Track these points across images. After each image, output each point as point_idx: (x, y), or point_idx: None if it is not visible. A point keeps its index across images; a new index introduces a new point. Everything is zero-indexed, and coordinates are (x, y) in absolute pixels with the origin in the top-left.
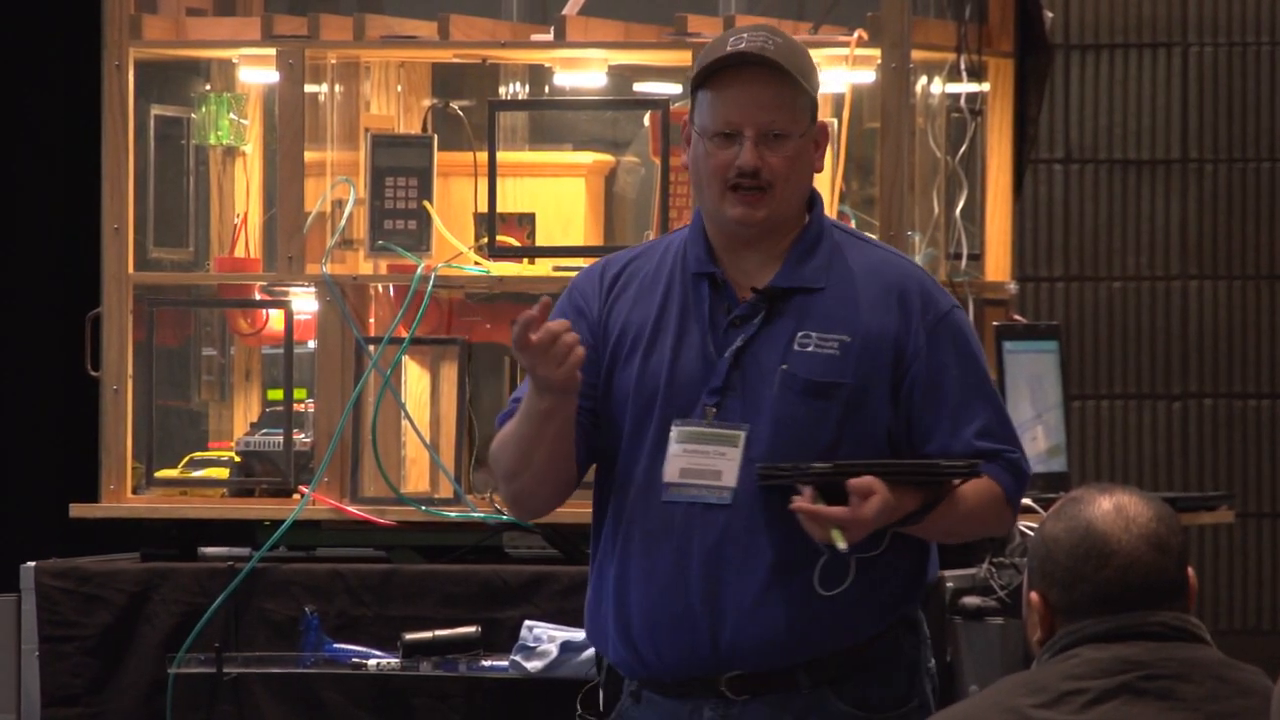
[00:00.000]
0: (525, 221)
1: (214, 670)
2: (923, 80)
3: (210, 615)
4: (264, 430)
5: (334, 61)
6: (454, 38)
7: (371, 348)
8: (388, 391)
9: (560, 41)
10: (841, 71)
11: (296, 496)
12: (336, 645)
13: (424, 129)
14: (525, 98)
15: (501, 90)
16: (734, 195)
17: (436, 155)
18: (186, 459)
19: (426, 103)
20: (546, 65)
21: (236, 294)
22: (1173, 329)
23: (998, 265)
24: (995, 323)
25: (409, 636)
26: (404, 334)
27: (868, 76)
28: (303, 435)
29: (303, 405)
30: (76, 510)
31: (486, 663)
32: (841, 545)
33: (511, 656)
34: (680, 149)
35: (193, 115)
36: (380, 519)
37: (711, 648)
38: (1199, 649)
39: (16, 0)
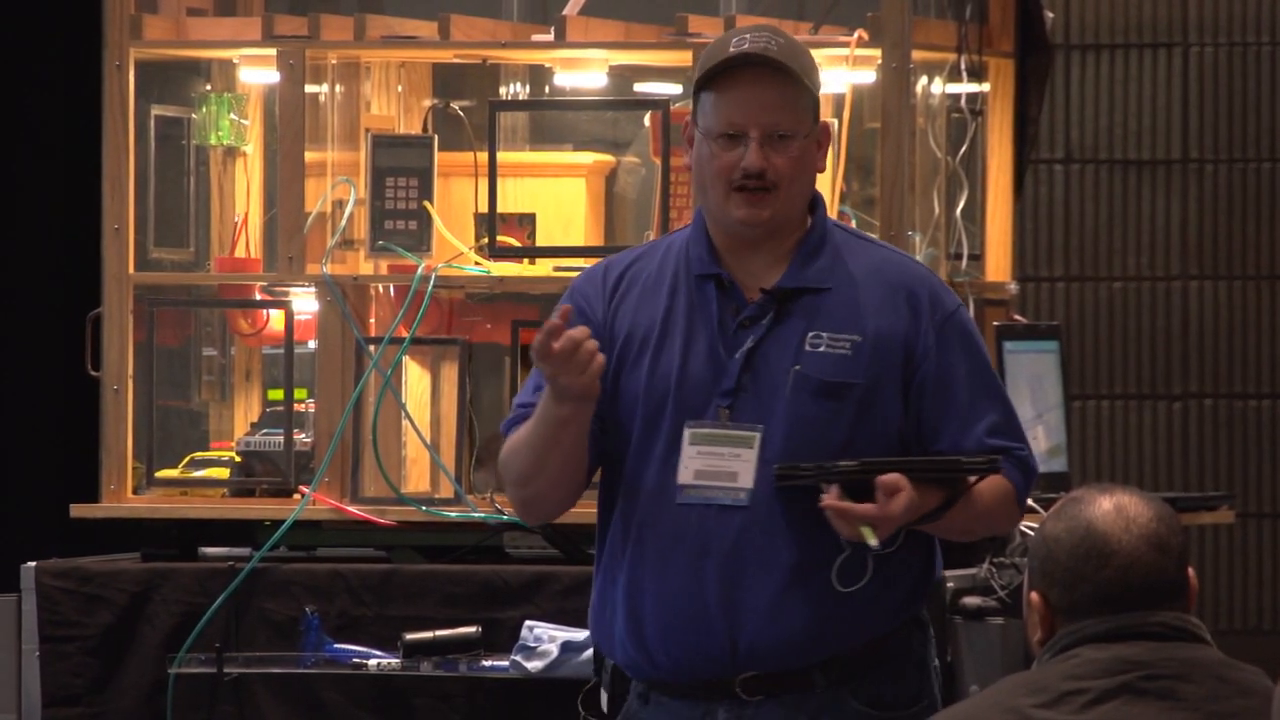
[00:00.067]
0: (526, 222)
1: (214, 670)
2: (923, 80)
3: (211, 615)
4: (264, 430)
5: (334, 62)
6: (454, 38)
7: (372, 348)
8: (388, 391)
9: (560, 42)
10: (842, 72)
11: (297, 496)
12: (337, 645)
13: (424, 129)
14: (526, 98)
15: (502, 90)
16: (739, 196)
17: (437, 155)
18: (187, 459)
19: (427, 103)
20: (547, 65)
21: (237, 294)
22: (1173, 329)
23: (998, 265)
24: (996, 323)
25: (409, 636)
26: (404, 334)
27: (868, 77)
28: (303, 435)
29: (303, 405)
30: (77, 510)
31: (487, 663)
32: (873, 542)
33: (512, 656)
34: (681, 149)
35: (193, 115)
36: (381, 519)
37: (729, 650)
38: (1199, 649)
39: (16, 0)
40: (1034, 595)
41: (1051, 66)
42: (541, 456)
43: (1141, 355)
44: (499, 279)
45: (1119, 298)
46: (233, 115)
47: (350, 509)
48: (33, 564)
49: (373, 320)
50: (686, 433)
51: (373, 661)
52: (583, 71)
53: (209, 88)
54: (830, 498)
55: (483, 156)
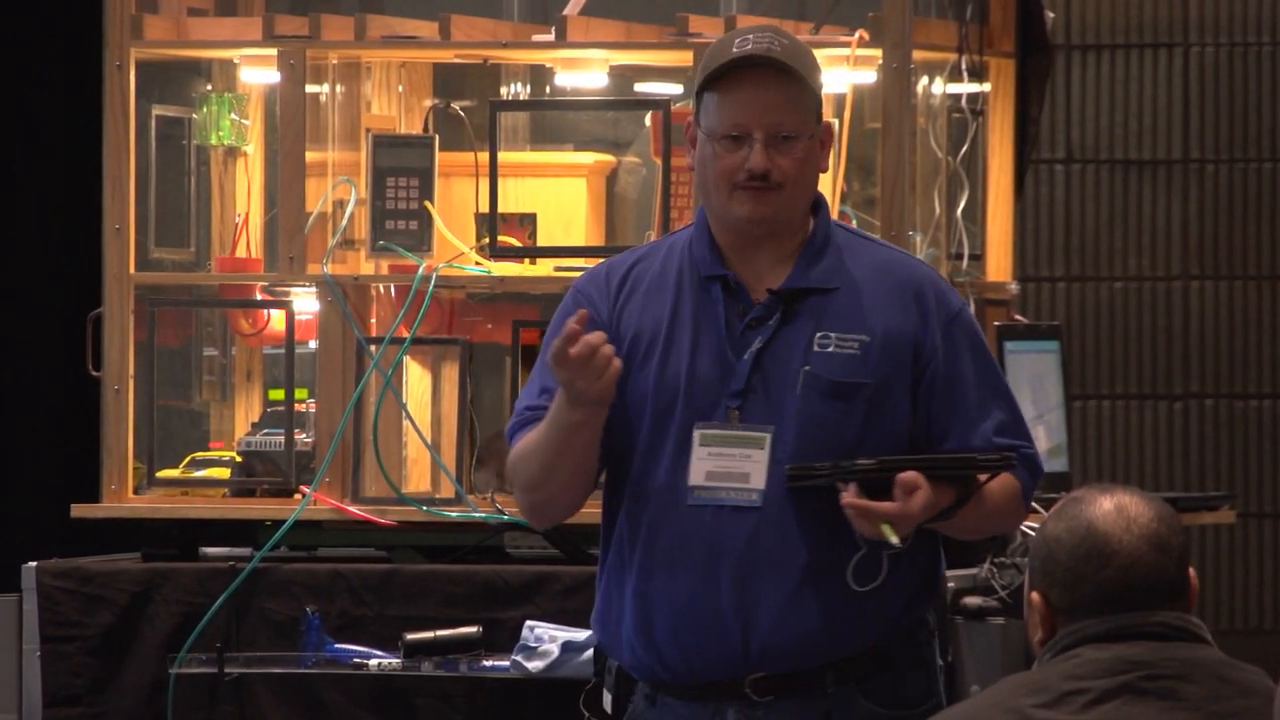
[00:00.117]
0: (526, 222)
1: (215, 670)
2: (924, 80)
3: (211, 615)
4: (265, 430)
5: (335, 62)
6: (455, 38)
7: (373, 348)
8: (389, 392)
9: (561, 42)
10: (843, 72)
11: (298, 496)
12: (338, 645)
13: (425, 129)
14: (526, 98)
15: (503, 90)
16: (743, 193)
17: (438, 155)
18: (188, 459)
19: (428, 103)
20: (548, 65)
21: (238, 294)
22: (1174, 329)
23: (999, 265)
24: (996, 323)
25: (410, 636)
26: (405, 334)
27: (869, 77)
28: (304, 435)
29: (304, 405)
30: (78, 510)
31: (488, 663)
32: (894, 540)
33: (513, 656)
34: (682, 150)
35: (194, 115)
36: (381, 519)
37: (741, 651)
38: (1200, 649)
39: (16, 0)
40: (1035, 595)
41: (1052, 66)
42: (553, 461)
43: (1142, 355)
44: (500, 279)
45: (1120, 298)
46: (233, 115)
47: (351, 509)
48: (33, 564)
49: (373, 320)
50: (696, 434)
51: (373, 661)
52: (583, 71)
53: (210, 88)
54: (850, 496)
55: (483, 156)
